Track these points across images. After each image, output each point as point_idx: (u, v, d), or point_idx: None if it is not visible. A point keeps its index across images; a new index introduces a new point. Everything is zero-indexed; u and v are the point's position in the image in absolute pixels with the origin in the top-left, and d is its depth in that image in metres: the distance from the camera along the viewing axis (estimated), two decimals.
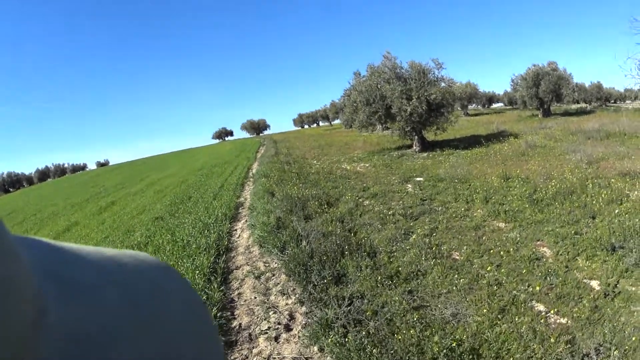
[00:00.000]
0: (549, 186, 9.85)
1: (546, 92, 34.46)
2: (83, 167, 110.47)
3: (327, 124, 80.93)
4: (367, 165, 18.02)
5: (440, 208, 9.55)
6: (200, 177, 21.26)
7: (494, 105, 73.03)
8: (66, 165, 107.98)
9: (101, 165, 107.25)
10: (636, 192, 8.90)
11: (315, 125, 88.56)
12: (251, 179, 17.25)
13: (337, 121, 70.92)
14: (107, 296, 0.36)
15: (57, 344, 0.31)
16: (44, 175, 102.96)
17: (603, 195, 8.65)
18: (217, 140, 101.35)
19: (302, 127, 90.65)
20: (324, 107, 77.49)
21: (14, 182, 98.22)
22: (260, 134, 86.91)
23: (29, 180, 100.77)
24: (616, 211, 7.69)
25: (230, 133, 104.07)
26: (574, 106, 48.99)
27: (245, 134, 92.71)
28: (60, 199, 29.32)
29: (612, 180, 10.06)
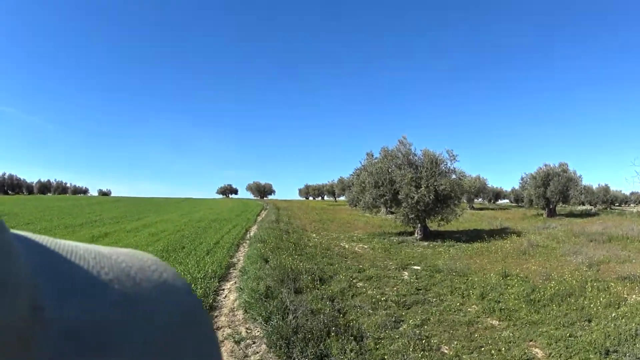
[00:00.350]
0: (548, 287, 9.84)
1: (554, 193, 34.98)
2: (84, 191, 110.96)
3: (331, 199, 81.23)
4: (366, 246, 17.94)
5: (434, 299, 9.44)
6: (197, 229, 21.06)
7: (500, 202, 73.34)
8: (68, 185, 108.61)
9: (103, 194, 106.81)
10: (634, 296, 8.96)
11: (320, 198, 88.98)
12: (247, 241, 17.10)
13: (342, 198, 71.32)
14: (104, 293, 0.36)
15: (53, 341, 0.31)
16: (44, 188, 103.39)
17: (601, 299, 8.69)
18: (220, 196, 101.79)
19: (307, 198, 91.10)
20: (332, 182, 78.10)
21: (14, 185, 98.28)
22: (265, 198, 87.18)
23: (29, 188, 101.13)
24: (613, 315, 7.72)
25: (235, 191, 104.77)
26: (579, 208, 49.35)
27: (250, 195, 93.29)
28: (56, 216, 29.12)
29: (612, 283, 10.16)
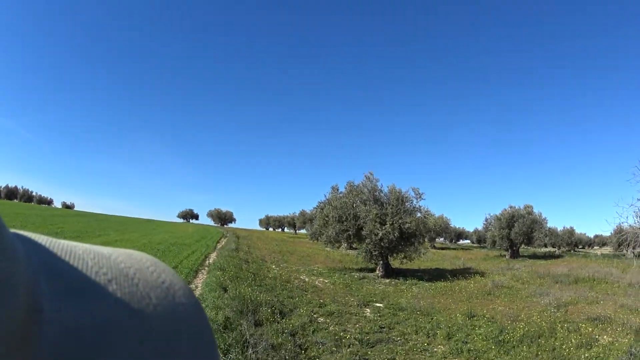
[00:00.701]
0: (517, 328, 9.76)
1: (518, 234, 35.54)
2: (49, 202, 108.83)
3: (292, 231, 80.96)
4: (327, 281, 17.68)
5: (399, 339, 9.24)
6: (156, 252, 20.37)
7: (461, 242, 74.26)
8: (34, 194, 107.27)
9: (66, 207, 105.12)
10: (606, 337, 9.09)
11: (280, 229, 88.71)
12: (206, 268, 16.72)
13: (302, 230, 71.13)
14: (103, 294, 0.37)
15: (51, 341, 0.32)
16: (11, 194, 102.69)
17: (572, 340, 8.68)
18: (181, 220, 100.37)
19: (267, 228, 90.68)
20: (293, 213, 77.96)
21: None
22: (225, 226, 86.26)
23: None
24: (585, 355, 7.76)
25: (196, 216, 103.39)
26: (543, 249, 50.29)
27: (210, 222, 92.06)
28: (20, 223, 28.40)
29: (582, 324, 10.20)
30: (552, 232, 50.91)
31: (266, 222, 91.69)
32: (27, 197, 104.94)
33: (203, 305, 9.74)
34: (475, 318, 11.15)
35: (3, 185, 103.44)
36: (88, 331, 0.33)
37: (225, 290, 11.49)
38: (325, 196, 23.90)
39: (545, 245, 53.85)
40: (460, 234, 72.64)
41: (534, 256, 38.58)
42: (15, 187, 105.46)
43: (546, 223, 37.92)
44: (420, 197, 21.42)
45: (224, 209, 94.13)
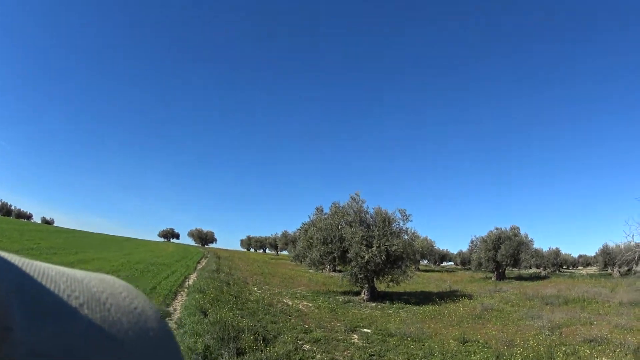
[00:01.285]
0: (515, 353, 9.44)
1: (505, 256, 35.45)
2: (29, 217, 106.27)
3: (274, 252, 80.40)
4: (311, 305, 17.19)
5: None
6: (135, 272, 19.98)
7: (445, 264, 74.23)
8: (13, 208, 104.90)
9: (46, 222, 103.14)
10: (605, 359, 8.93)
11: (261, 250, 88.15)
12: (186, 290, 16.28)
13: (284, 252, 70.61)
14: (75, 318, 0.37)
15: None
16: None
17: None
18: (162, 239, 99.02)
19: (249, 249, 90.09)
20: (275, 234, 77.49)
21: None
22: (206, 246, 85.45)
23: None
24: None
25: (177, 236, 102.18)
26: (529, 271, 50.44)
27: (191, 241, 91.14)
28: None
29: (579, 347, 10.00)
30: (538, 253, 51.02)
31: (247, 242, 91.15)
32: (6, 210, 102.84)
33: (182, 331, 9.23)
34: (468, 344, 10.80)
35: None
36: (58, 354, 0.33)
37: (206, 315, 11.01)
38: (309, 217, 23.72)
39: (531, 267, 54.01)
40: (444, 256, 72.62)
41: (520, 278, 38.61)
42: None
43: (532, 244, 38.10)
44: (407, 218, 21.20)
45: (205, 228, 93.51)
